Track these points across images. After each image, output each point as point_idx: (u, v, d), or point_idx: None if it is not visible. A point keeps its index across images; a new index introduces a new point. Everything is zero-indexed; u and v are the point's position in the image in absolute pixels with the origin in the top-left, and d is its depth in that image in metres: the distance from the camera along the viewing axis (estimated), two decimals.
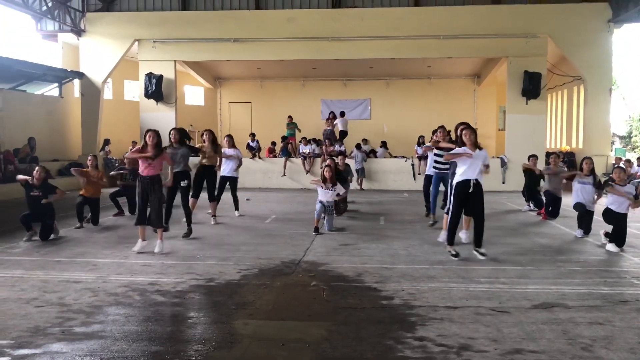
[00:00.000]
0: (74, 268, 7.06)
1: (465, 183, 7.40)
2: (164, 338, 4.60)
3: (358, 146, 18.92)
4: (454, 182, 7.57)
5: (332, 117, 20.19)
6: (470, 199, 7.46)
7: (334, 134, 19.66)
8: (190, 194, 9.70)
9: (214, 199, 10.79)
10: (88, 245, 8.57)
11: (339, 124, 19.90)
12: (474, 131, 7.55)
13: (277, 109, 23.56)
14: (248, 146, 19.49)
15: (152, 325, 4.89)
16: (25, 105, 18.10)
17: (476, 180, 7.38)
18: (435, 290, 5.99)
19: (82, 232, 9.86)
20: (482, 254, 7.44)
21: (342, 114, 20.46)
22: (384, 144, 20.45)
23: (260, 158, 19.33)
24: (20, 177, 9.25)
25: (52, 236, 9.07)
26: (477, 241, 7.52)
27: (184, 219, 9.32)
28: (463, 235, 8.57)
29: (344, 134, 19.93)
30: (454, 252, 7.51)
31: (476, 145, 7.46)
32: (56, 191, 9.13)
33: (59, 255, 7.84)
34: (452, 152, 7.64)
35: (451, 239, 7.60)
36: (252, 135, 19.98)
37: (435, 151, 9.73)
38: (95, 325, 4.88)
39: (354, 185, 16.25)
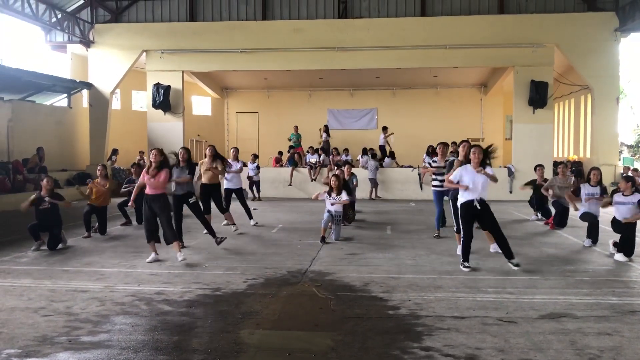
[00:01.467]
0: (81, 277, 7.09)
1: (469, 204, 7.43)
2: (170, 347, 4.60)
3: (374, 155, 19.01)
4: (458, 204, 7.62)
5: (325, 129, 20.64)
6: (479, 217, 7.49)
7: (328, 143, 20.16)
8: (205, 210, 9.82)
9: (225, 210, 10.83)
10: (95, 255, 8.61)
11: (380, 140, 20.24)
12: (482, 151, 7.52)
13: (284, 119, 23.64)
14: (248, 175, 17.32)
15: (159, 335, 4.90)
16: (34, 115, 18.26)
17: (480, 199, 7.39)
18: (442, 300, 5.97)
19: (90, 241, 9.91)
20: (515, 265, 7.33)
21: (385, 129, 20.72)
22: (391, 155, 20.46)
23: (257, 192, 17.80)
24: (24, 204, 9.12)
25: (59, 246, 9.13)
26: (506, 254, 7.47)
27: (205, 232, 9.36)
28: (493, 248, 8.49)
29: (383, 148, 20.19)
30: (468, 267, 7.47)
31: (484, 163, 7.44)
32: (63, 200, 9.22)
33: (67, 265, 7.88)
34: (449, 179, 7.66)
35: (466, 257, 7.56)
36: (254, 156, 18.01)
37: (433, 170, 9.91)
38: (102, 335, 4.89)
39: (363, 194, 16.23)
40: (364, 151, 20.33)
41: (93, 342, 4.72)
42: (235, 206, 11.66)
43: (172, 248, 8.11)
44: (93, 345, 4.64)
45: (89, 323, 5.21)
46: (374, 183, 18.15)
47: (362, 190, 17.27)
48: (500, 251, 7.84)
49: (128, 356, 4.40)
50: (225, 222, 11.10)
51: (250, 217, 11.79)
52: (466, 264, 7.46)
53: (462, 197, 7.52)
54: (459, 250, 8.37)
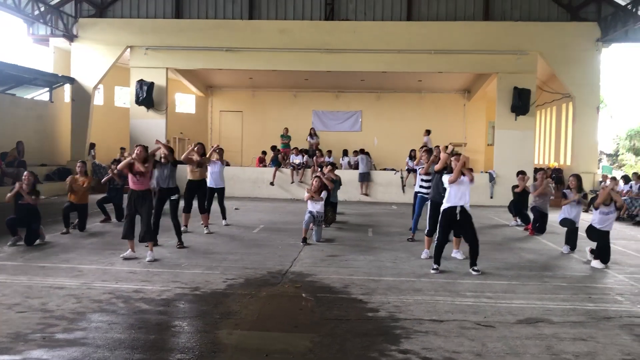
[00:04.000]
0: (58, 274, 7.00)
1: (451, 210, 7.56)
2: (147, 346, 4.56)
3: (362, 151, 19.20)
4: (441, 209, 7.73)
5: (313, 133, 20.59)
6: (459, 225, 7.61)
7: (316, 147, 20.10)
8: (182, 208, 9.73)
9: (205, 210, 10.78)
10: (73, 251, 8.50)
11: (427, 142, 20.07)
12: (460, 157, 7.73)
13: (269, 118, 23.58)
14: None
15: (136, 333, 4.85)
16: (14, 109, 17.97)
17: (461, 207, 7.49)
18: (421, 303, 6.00)
19: (68, 237, 9.78)
20: (476, 271, 7.53)
21: (428, 132, 20.44)
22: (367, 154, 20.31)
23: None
24: (9, 195, 9.07)
25: (37, 241, 8.99)
26: (473, 261, 7.65)
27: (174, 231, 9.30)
28: (458, 255, 8.59)
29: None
30: (437, 269, 7.59)
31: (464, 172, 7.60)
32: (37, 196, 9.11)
33: (44, 261, 7.77)
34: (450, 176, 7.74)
35: (437, 259, 7.67)
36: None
37: (424, 177, 9.93)
38: (78, 332, 4.83)
39: (346, 196, 16.22)
40: (345, 153, 20.36)
41: (68, 339, 4.66)
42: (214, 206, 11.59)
43: (146, 246, 8.07)
44: (68, 343, 4.57)
45: (64, 320, 5.14)
46: (366, 178, 18.36)
47: (345, 192, 17.27)
48: (459, 258, 8.37)
49: (103, 354, 4.35)
50: (201, 222, 10.96)
51: (224, 218, 11.76)
52: (436, 267, 7.58)
53: (446, 203, 7.62)
54: (424, 254, 8.49)
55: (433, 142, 12.07)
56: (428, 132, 20.08)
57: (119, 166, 8.40)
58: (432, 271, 7.54)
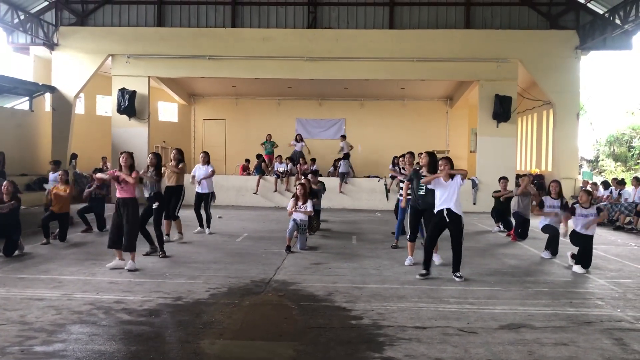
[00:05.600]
0: (37, 285, 6.89)
1: (439, 213, 7.59)
2: (127, 357, 4.50)
3: (345, 155, 19.55)
4: (434, 210, 7.75)
5: (300, 139, 20.55)
6: (448, 227, 7.60)
7: (302, 154, 20.11)
8: (164, 216, 9.72)
9: (174, 218, 10.54)
10: (54, 262, 8.38)
11: (344, 147, 20.14)
12: (448, 161, 7.67)
13: (252, 126, 23.56)
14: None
15: (117, 345, 4.78)
16: None
17: (448, 209, 7.49)
18: (404, 310, 6.00)
19: (48, 248, 9.64)
20: (459, 277, 7.55)
21: (344, 137, 20.90)
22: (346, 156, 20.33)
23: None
24: None
25: (16, 252, 8.84)
26: (455, 267, 7.65)
27: (176, 237, 9.22)
28: (436, 258, 8.61)
29: (347, 155, 20.22)
30: (424, 273, 7.59)
31: (451, 175, 7.58)
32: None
33: (23, 272, 7.64)
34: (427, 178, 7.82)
35: (427, 264, 7.66)
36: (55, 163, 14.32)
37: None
38: (57, 344, 4.75)
39: (330, 204, 16.27)
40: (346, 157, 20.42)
41: (47, 352, 4.59)
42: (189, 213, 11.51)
43: (128, 255, 7.94)
44: (47, 355, 4.50)
45: (43, 332, 5.05)
46: (346, 177, 18.72)
47: (329, 200, 17.30)
48: (436, 263, 8.38)
49: None
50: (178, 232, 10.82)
51: (208, 226, 11.68)
52: (424, 272, 7.58)
53: (437, 205, 7.65)
54: (408, 261, 8.50)
55: (418, 150, 11.88)
56: (343, 137, 20.66)
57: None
58: (420, 277, 7.54)
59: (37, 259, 8.61)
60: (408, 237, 8.73)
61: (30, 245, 9.58)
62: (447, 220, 7.53)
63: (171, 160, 10.56)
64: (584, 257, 8.31)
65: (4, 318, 5.46)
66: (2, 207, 8.73)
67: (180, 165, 10.47)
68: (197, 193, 11.47)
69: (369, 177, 19.99)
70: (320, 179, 13.63)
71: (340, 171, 19.00)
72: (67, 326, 5.26)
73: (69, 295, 6.41)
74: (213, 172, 11.65)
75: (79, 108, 20.98)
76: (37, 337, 4.92)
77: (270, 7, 19.21)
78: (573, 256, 8.58)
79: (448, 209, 7.51)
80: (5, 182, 9.10)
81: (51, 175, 13.46)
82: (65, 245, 10.03)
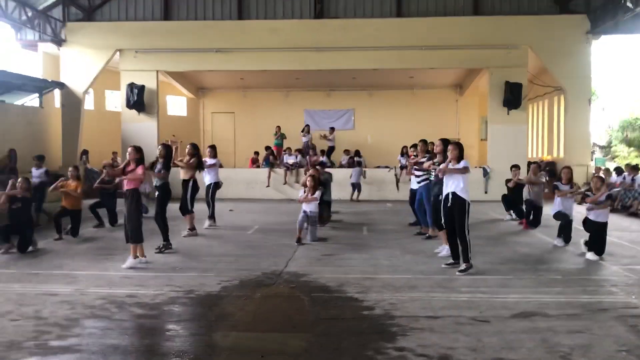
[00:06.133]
0: (51, 281, 6.96)
1: (445, 198, 7.53)
2: (141, 351, 4.53)
3: (359, 163, 18.86)
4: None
5: (307, 130, 20.47)
6: (452, 212, 7.48)
7: (310, 145, 20.00)
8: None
9: (189, 211, 10.53)
10: (67, 258, 8.45)
11: (332, 140, 20.09)
12: (457, 146, 7.60)
13: (261, 119, 23.51)
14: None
15: (130, 338, 4.82)
16: (4, 115, 17.81)
17: (453, 193, 7.38)
18: (416, 300, 5.99)
19: (61, 244, 9.71)
20: (460, 271, 7.26)
21: (332, 129, 20.83)
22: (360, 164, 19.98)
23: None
24: (2, 199, 9.01)
25: (30, 248, 8.92)
26: (458, 255, 7.48)
27: (183, 233, 9.27)
28: (443, 249, 8.54)
29: (332, 149, 20.10)
30: (450, 262, 7.58)
31: (460, 159, 7.50)
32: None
33: (37, 268, 7.72)
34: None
35: (455, 254, 7.57)
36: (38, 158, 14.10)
37: (417, 172, 9.97)
38: (72, 339, 4.79)
39: (340, 195, 16.17)
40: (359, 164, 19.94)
41: (62, 346, 4.63)
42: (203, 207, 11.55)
43: (130, 247, 7.83)
44: (62, 350, 4.54)
45: (58, 327, 5.10)
46: (357, 187, 18.14)
47: (340, 191, 17.25)
48: (445, 254, 8.10)
49: None
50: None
51: (211, 217, 11.65)
52: (451, 262, 7.57)
53: (443, 193, 7.61)
54: (445, 252, 8.22)
55: (429, 139, 11.73)
56: (332, 129, 20.72)
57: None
58: (446, 264, 7.57)
59: (51, 255, 8.69)
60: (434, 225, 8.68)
61: (43, 241, 9.65)
62: (451, 203, 7.41)
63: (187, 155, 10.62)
64: (597, 244, 8.24)
65: (20, 313, 5.52)
66: (15, 192, 8.88)
67: (192, 160, 10.48)
68: (208, 185, 11.48)
69: (379, 167, 19.90)
70: (329, 169, 13.55)
71: (351, 182, 18.02)
72: (81, 321, 5.30)
73: (83, 290, 6.45)
74: (212, 165, 11.53)
75: (89, 104, 21.05)
76: (52, 332, 4.96)
77: None
78: (586, 243, 8.51)
79: (453, 193, 7.41)
80: (20, 179, 9.21)
81: (35, 171, 13.18)
82: (78, 240, 10.09)
